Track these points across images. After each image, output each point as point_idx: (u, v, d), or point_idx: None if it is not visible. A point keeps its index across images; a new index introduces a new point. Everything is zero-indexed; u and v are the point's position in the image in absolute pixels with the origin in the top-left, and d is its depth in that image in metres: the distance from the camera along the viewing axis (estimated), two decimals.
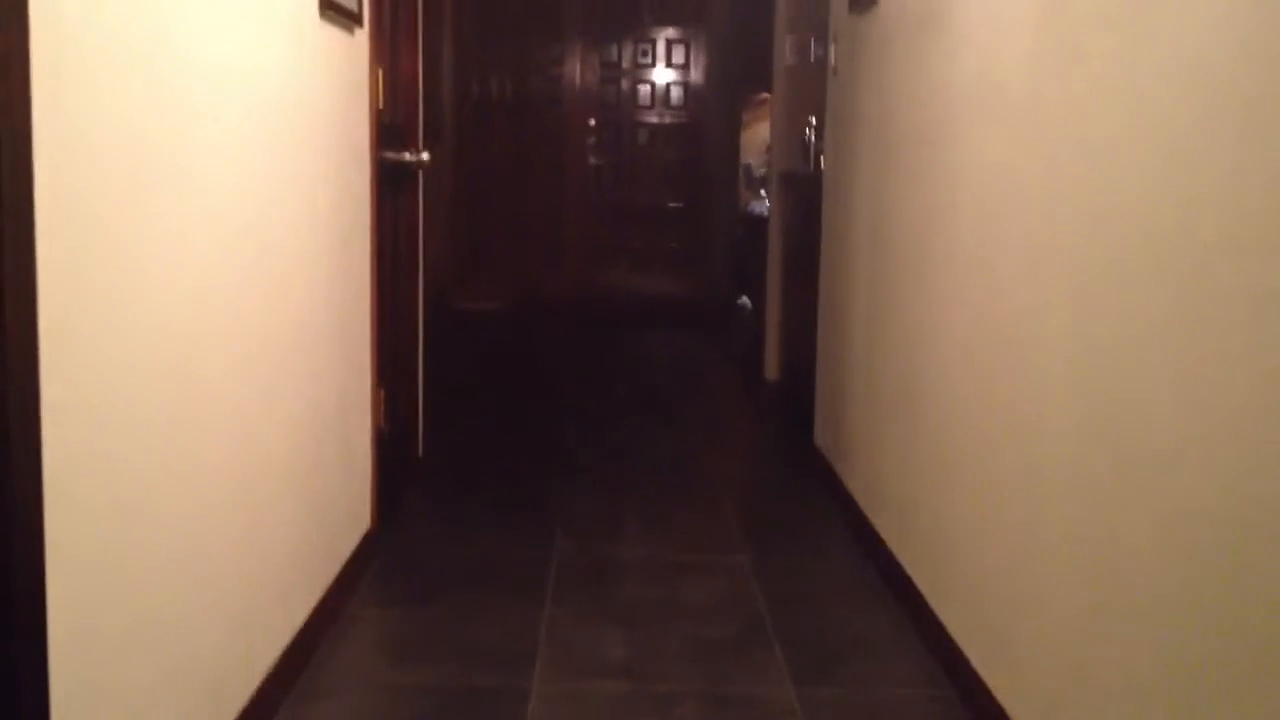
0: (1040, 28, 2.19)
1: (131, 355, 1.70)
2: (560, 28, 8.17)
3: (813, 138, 5.01)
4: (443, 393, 4.61)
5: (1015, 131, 2.31)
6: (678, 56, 8.22)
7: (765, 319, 5.96)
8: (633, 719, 2.49)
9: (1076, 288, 1.99)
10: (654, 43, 8.22)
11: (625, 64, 8.24)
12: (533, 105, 8.21)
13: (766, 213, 6.18)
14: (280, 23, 2.42)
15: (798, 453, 4.55)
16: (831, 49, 4.22)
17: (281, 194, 2.44)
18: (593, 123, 8.23)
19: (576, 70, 8.21)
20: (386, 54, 3.45)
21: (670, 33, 8.19)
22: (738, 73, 8.01)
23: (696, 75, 8.23)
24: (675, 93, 8.26)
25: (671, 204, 8.33)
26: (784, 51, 5.76)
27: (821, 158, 4.48)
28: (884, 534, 3.29)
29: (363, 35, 3.12)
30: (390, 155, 3.48)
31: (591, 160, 8.28)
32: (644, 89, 8.27)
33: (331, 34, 2.81)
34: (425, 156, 3.81)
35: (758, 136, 8.12)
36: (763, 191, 7.61)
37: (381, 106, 3.36)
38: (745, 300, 7.80)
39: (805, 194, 4.92)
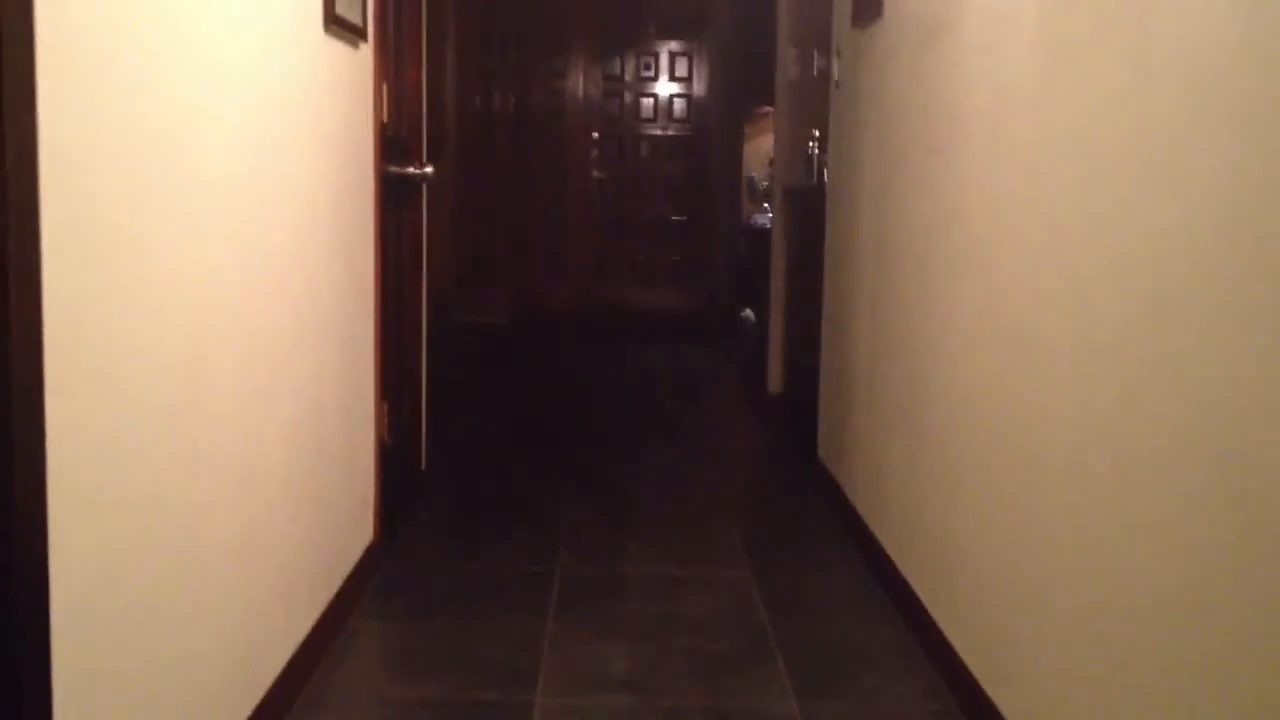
0: (1042, 39, 2.19)
1: (135, 353, 1.70)
2: (563, 41, 8.19)
3: (816, 151, 5.01)
4: (446, 405, 4.61)
5: (1019, 142, 2.32)
6: (681, 69, 8.24)
7: (768, 331, 5.95)
8: None
9: (1078, 289, 1.99)
10: (657, 56, 8.24)
11: (628, 77, 8.26)
12: (536, 118, 8.23)
13: (770, 225, 6.18)
14: (285, 36, 2.43)
15: (800, 465, 4.54)
16: (834, 62, 4.22)
17: (284, 204, 2.44)
18: (595, 136, 8.25)
19: (579, 83, 8.23)
20: (390, 68, 3.46)
21: (673, 46, 8.21)
22: (740, 86, 8.02)
23: (699, 88, 8.25)
24: (678, 106, 8.28)
25: (674, 217, 8.34)
26: (787, 65, 5.77)
27: (825, 170, 4.48)
28: (886, 546, 3.28)
29: (367, 49, 3.13)
30: (394, 169, 3.48)
31: (594, 173, 8.30)
32: (647, 102, 8.28)
33: (336, 48, 2.82)
34: (429, 170, 3.81)
35: (760, 149, 8.12)
36: (766, 204, 7.61)
37: (385, 120, 3.36)
38: (749, 313, 7.80)
39: (808, 207, 4.92)
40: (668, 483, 4.45)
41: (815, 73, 5.06)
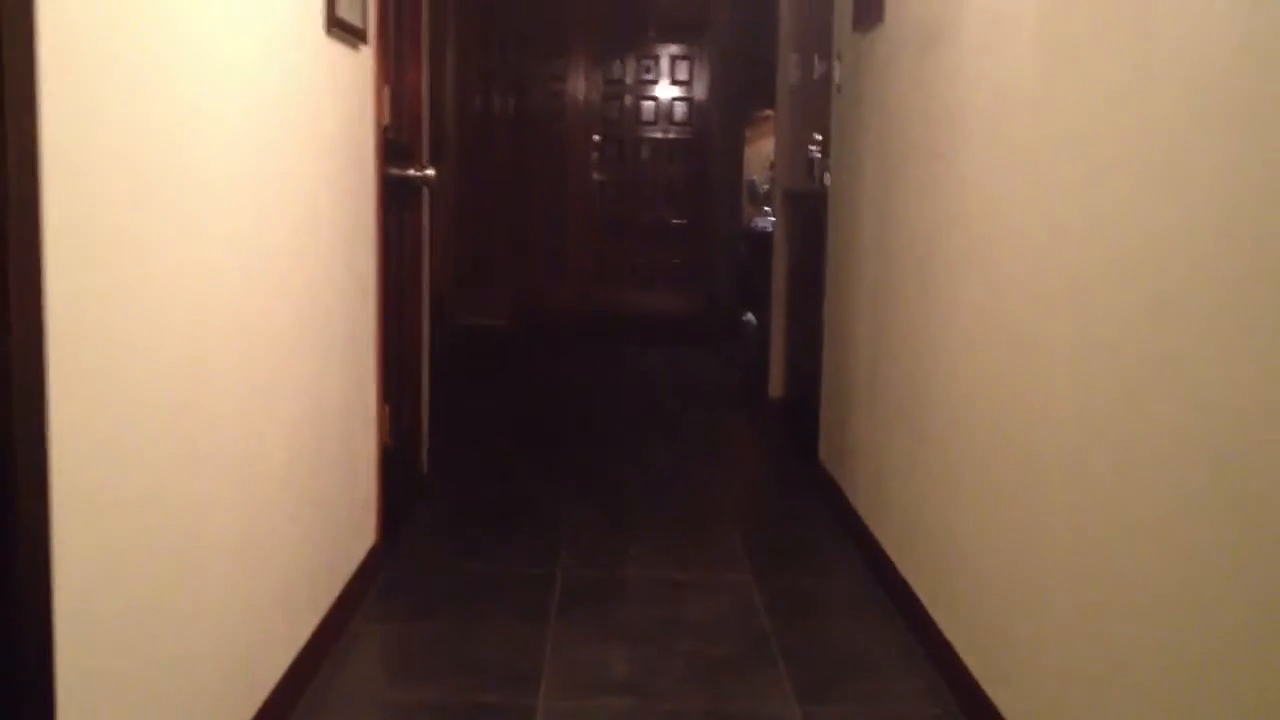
0: (1042, 41, 2.20)
1: (135, 353, 1.70)
2: (564, 43, 8.20)
3: (817, 154, 5.01)
4: (446, 407, 4.61)
5: (1019, 144, 2.32)
6: (681, 73, 8.24)
7: (769, 334, 5.95)
8: None
9: (1079, 289, 2.00)
10: (657, 59, 8.24)
11: (629, 80, 8.26)
12: (536, 121, 8.23)
13: (771, 229, 6.19)
14: (286, 38, 2.43)
15: (802, 469, 4.55)
16: (836, 66, 4.23)
17: (285, 205, 2.44)
18: (596, 138, 8.25)
19: (580, 86, 8.23)
20: (391, 70, 3.46)
21: (674, 49, 8.22)
22: (741, 89, 8.02)
23: (700, 91, 8.25)
24: (679, 109, 8.28)
25: (674, 220, 8.34)
26: (788, 68, 5.77)
27: (826, 174, 4.48)
28: (887, 548, 3.28)
29: (368, 52, 3.13)
30: (395, 171, 3.49)
31: (594, 176, 8.30)
32: (647, 105, 8.29)
33: (337, 50, 2.82)
34: (430, 172, 3.81)
35: (761, 153, 8.12)
36: (766, 208, 7.61)
37: (386, 122, 3.36)
38: (750, 316, 7.80)
39: (810, 210, 4.92)
40: (669, 485, 4.45)
41: (816, 76, 5.07)
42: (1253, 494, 1.48)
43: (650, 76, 8.26)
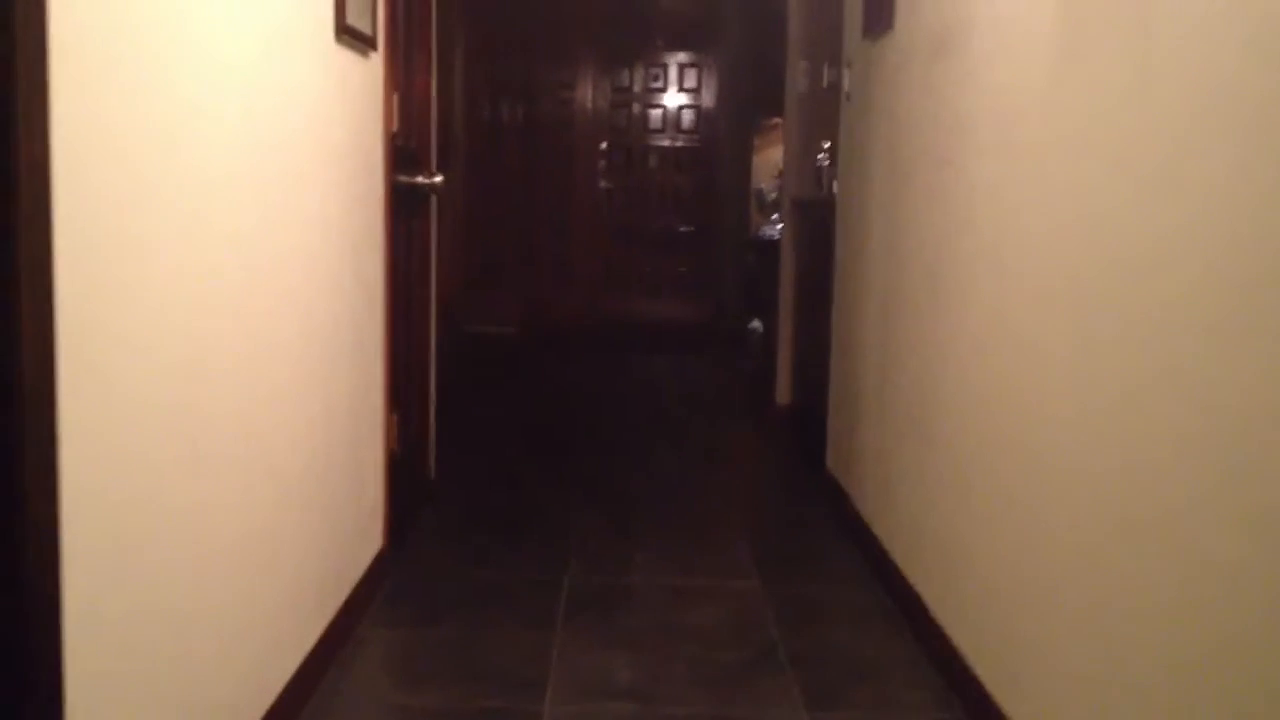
0: (1053, 47, 2.19)
1: (143, 359, 1.70)
2: (572, 52, 8.21)
3: (826, 162, 5.02)
4: (454, 414, 4.61)
5: (1030, 150, 2.32)
6: (689, 81, 8.25)
7: (777, 342, 5.95)
8: None
9: (1088, 294, 2.00)
10: (665, 67, 8.25)
11: (637, 88, 8.27)
12: (544, 129, 8.24)
13: (779, 237, 6.19)
14: (296, 45, 2.44)
15: (809, 477, 4.54)
16: (845, 74, 4.23)
17: (293, 212, 2.45)
18: (604, 146, 8.26)
19: (588, 94, 8.25)
20: (400, 77, 3.47)
21: (682, 57, 8.23)
22: (749, 97, 8.03)
23: (708, 100, 8.26)
24: (687, 117, 8.29)
25: (682, 228, 8.34)
26: (797, 76, 5.78)
27: (834, 182, 4.48)
28: (895, 555, 3.28)
29: (377, 59, 3.14)
30: (404, 178, 3.49)
31: (602, 184, 8.31)
32: (655, 113, 8.30)
33: (347, 57, 2.83)
34: (439, 179, 3.82)
35: (769, 161, 8.13)
36: (774, 216, 7.61)
37: (395, 129, 3.37)
38: (757, 324, 7.80)
39: (818, 218, 4.92)
40: (676, 492, 4.44)
41: (825, 84, 5.07)
42: (1258, 498, 1.48)
43: (658, 85, 8.27)
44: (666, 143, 8.32)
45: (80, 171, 1.48)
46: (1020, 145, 2.38)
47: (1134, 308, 1.83)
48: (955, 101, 2.83)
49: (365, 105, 3.03)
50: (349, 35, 2.79)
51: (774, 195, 7.84)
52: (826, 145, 4.96)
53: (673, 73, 8.25)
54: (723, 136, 8.24)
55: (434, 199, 4.04)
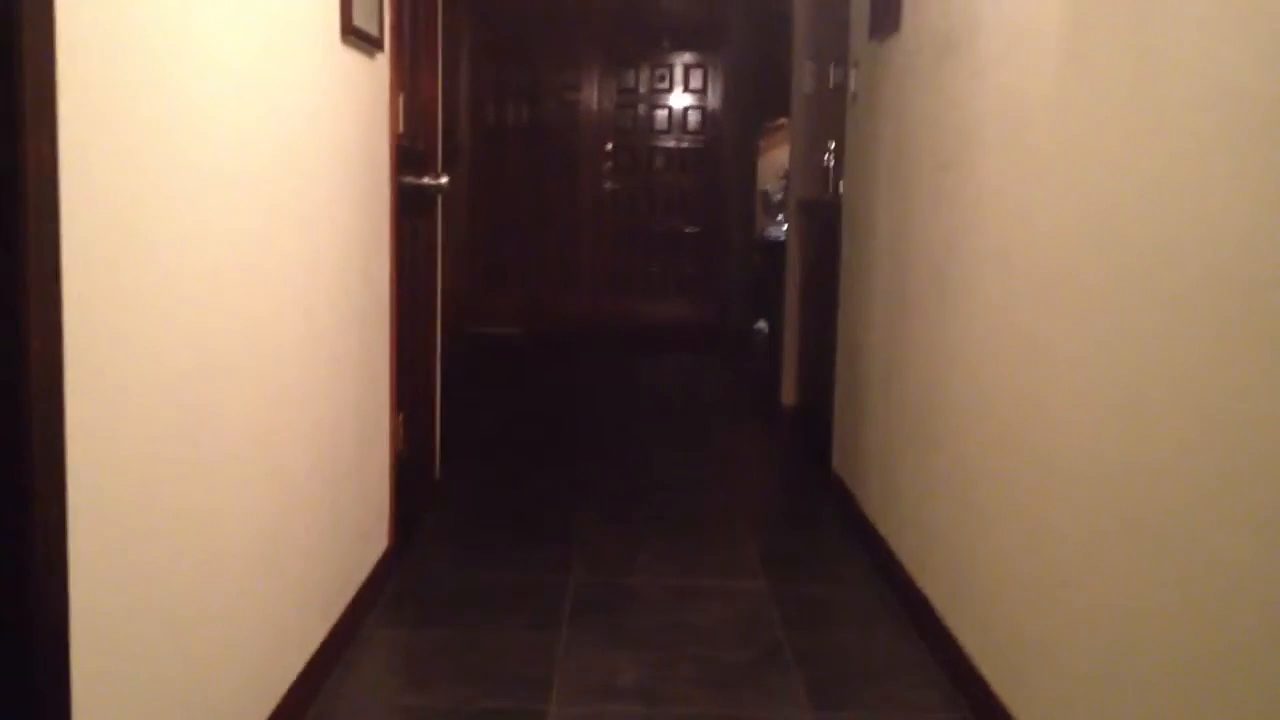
0: (1062, 48, 2.19)
1: (150, 361, 1.71)
2: (577, 53, 8.21)
3: (831, 163, 5.02)
4: (459, 415, 4.61)
5: (1037, 151, 2.32)
6: (695, 82, 8.25)
7: (782, 343, 5.95)
8: None
9: (1095, 295, 2.00)
10: (671, 68, 8.24)
11: (642, 89, 8.27)
12: (549, 130, 8.24)
13: (784, 238, 6.19)
14: (302, 46, 2.44)
15: (815, 477, 4.54)
16: (851, 75, 4.23)
17: (299, 213, 2.45)
18: (609, 147, 8.25)
19: (593, 95, 8.24)
20: (406, 78, 3.47)
21: (687, 58, 8.22)
22: (755, 98, 8.03)
23: (714, 101, 8.25)
24: (692, 118, 8.29)
25: (687, 229, 8.34)
26: (803, 78, 5.78)
27: (840, 183, 4.48)
28: (901, 556, 3.27)
29: (383, 60, 3.14)
30: (409, 179, 3.49)
31: (608, 185, 8.30)
32: (661, 114, 8.29)
33: (352, 58, 2.83)
34: (444, 181, 3.82)
35: (775, 162, 8.14)
36: (780, 217, 7.61)
37: (401, 130, 3.37)
38: (763, 325, 7.80)
39: (823, 219, 4.92)
40: (681, 492, 4.44)
41: (831, 85, 5.07)
42: (1264, 499, 1.47)
43: (664, 86, 8.26)
44: (672, 144, 8.31)
45: (86, 171, 1.48)
46: (1027, 146, 2.38)
47: (1142, 308, 1.83)
48: (962, 102, 2.82)
49: (371, 106, 3.04)
50: (355, 36, 2.79)
51: (780, 196, 7.85)
52: (832, 146, 4.96)
53: (678, 74, 8.24)
54: (728, 137, 8.24)
55: (439, 200, 4.04)
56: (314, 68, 2.53)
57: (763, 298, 7.51)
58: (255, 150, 2.14)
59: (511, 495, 4.31)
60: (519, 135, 8.23)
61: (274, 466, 2.31)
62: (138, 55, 1.63)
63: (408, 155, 3.49)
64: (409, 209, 3.53)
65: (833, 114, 4.85)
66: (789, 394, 5.84)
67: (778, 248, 6.41)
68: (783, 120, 7.30)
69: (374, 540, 3.19)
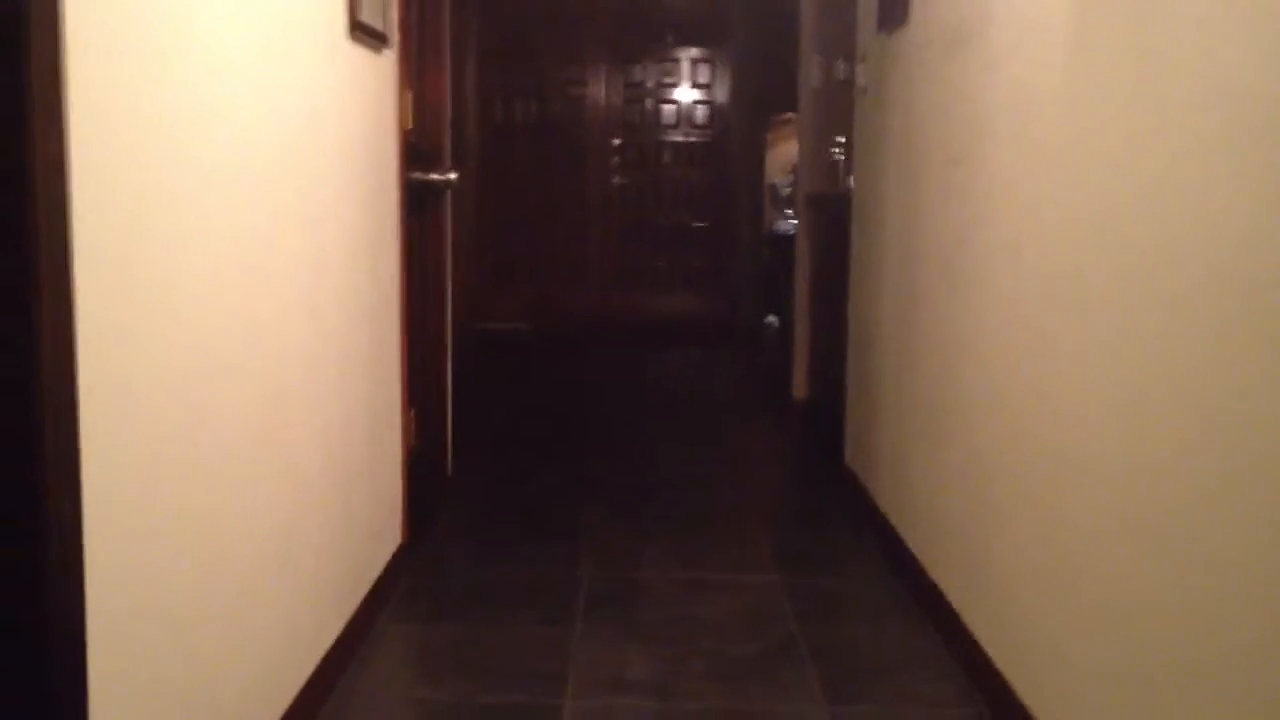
0: (1072, 41, 2.18)
1: (164, 359, 1.71)
2: (584, 48, 8.20)
3: (840, 157, 5.01)
4: (470, 411, 4.61)
5: (1047, 144, 2.31)
6: (702, 76, 8.24)
7: (793, 337, 5.94)
8: None
9: (1105, 289, 1.99)
10: (678, 63, 8.23)
11: (649, 84, 8.26)
12: (556, 125, 8.24)
13: (793, 232, 6.18)
14: (309, 42, 2.44)
15: (827, 471, 4.53)
16: (859, 68, 4.22)
17: (308, 211, 2.45)
18: (617, 142, 8.25)
19: (600, 90, 8.24)
20: (414, 75, 3.47)
21: (694, 52, 8.21)
22: (762, 92, 8.02)
23: (721, 95, 8.24)
24: (700, 112, 8.28)
25: (696, 223, 8.33)
26: (810, 71, 5.77)
27: (849, 177, 4.47)
28: (914, 549, 3.27)
29: (390, 56, 3.14)
30: (417, 175, 3.49)
31: (615, 180, 8.30)
32: (668, 109, 8.28)
33: (360, 54, 2.83)
34: (453, 176, 3.82)
35: (782, 156, 8.13)
36: (788, 211, 7.60)
37: (409, 126, 3.37)
38: (773, 319, 7.80)
39: (833, 213, 4.91)
40: (693, 487, 4.44)
41: (839, 79, 5.06)
42: (1270, 496, 1.47)
43: (670, 80, 8.26)
44: (680, 138, 8.30)
45: (93, 170, 1.48)
46: (1037, 138, 2.37)
47: (1144, 305, 1.82)
48: (971, 95, 2.81)
49: (378, 102, 3.03)
50: (362, 32, 2.79)
51: (788, 190, 7.84)
52: (841, 140, 4.95)
53: (685, 68, 8.24)
54: (735, 131, 8.23)
55: (448, 196, 4.04)
56: (320, 64, 2.52)
57: (773, 292, 7.51)
58: (262, 147, 2.13)
59: (522, 491, 4.32)
60: (526, 131, 8.23)
61: (286, 464, 2.31)
62: (144, 54, 1.63)
63: (415, 151, 3.49)
64: (417, 205, 3.53)
65: (840, 108, 4.83)
66: (800, 388, 5.83)
67: (787, 242, 6.41)
68: (789, 114, 7.29)
69: (387, 536, 3.19)
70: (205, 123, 1.85)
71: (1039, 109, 2.36)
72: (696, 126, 8.29)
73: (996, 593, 2.58)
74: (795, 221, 6.13)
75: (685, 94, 8.25)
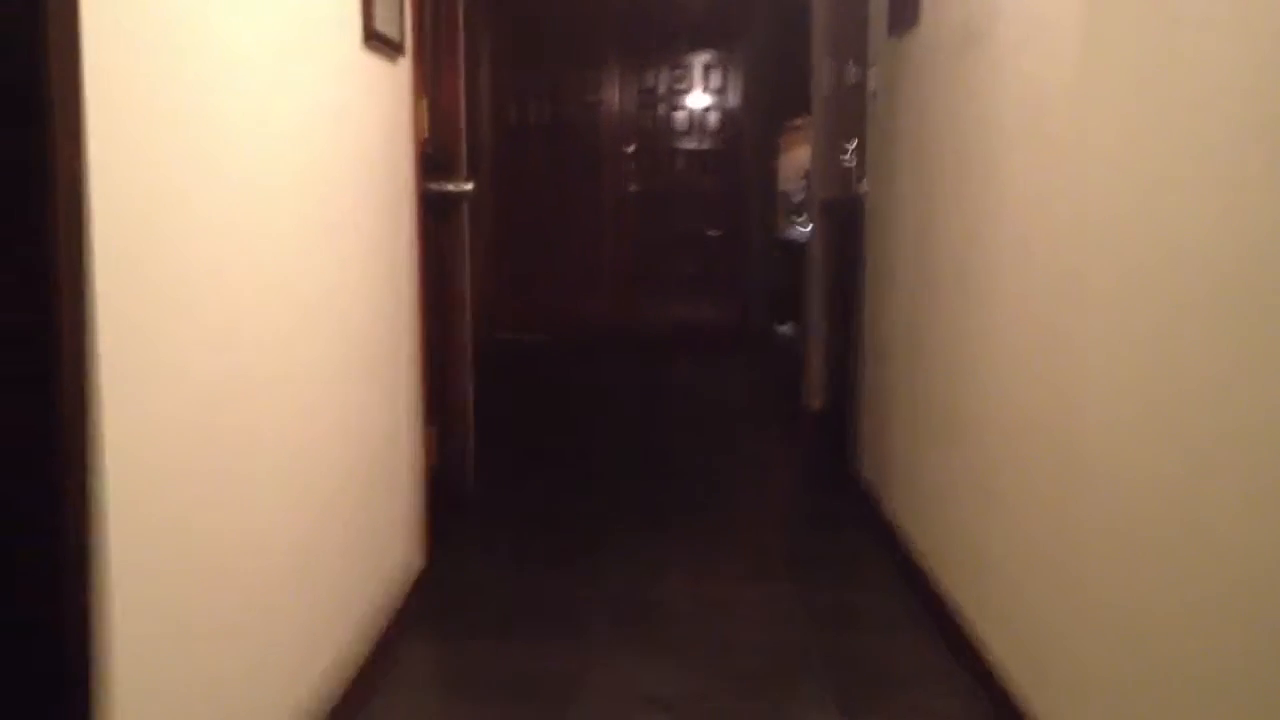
0: (1084, 41, 2.18)
1: (182, 376, 1.71)
2: (597, 55, 8.21)
3: (852, 162, 5.00)
4: (486, 423, 4.61)
5: (1059, 145, 2.30)
6: (714, 81, 8.24)
7: (806, 345, 5.93)
8: None
9: (1117, 290, 1.98)
10: (690, 68, 8.24)
11: (662, 90, 8.26)
12: (570, 132, 8.25)
13: (805, 238, 6.17)
14: (324, 51, 2.44)
15: (839, 481, 4.52)
16: (871, 72, 4.21)
17: (326, 224, 2.45)
18: (630, 149, 8.25)
19: (614, 97, 8.25)
20: (429, 83, 3.48)
21: (706, 58, 8.22)
22: (774, 98, 8.01)
23: (734, 100, 8.24)
24: (712, 118, 8.28)
25: (709, 230, 8.32)
26: (822, 76, 5.76)
27: (862, 181, 4.47)
28: (926, 559, 3.26)
29: (405, 65, 3.15)
30: (434, 185, 3.50)
31: (629, 187, 8.30)
32: (681, 115, 8.29)
33: (375, 63, 2.84)
34: (469, 186, 3.82)
35: (794, 162, 8.12)
36: (801, 216, 7.59)
37: (424, 136, 3.37)
38: (785, 327, 7.79)
39: (846, 218, 4.91)
40: (708, 498, 4.44)
41: (851, 83, 5.06)
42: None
43: (683, 86, 8.26)
44: (693, 145, 8.30)
45: (112, 169, 1.48)
46: (1049, 136, 2.36)
47: (1164, 299, 1.81)
48: (982, 93, 2.81)
49: (394, 112, 3.04)
50: (377, 41, 2.79)
51: (800, 197, 7.83)
52: (853, 145, 4.95)
53: (697, 74, 8.24)
54: (748, 138, 8.23)
55: (465, 206, 4.03)
56: (336, 73, 2.53)
57: (786, 300, 7.49)
58: (278, 158, 2.14)
59: (542, 504, 4.31)
60: (540, 138, 8.24)
61: (304, 483, 2.30)
62: (162, 66, 1.63)
63: (432, 161, 3.49)
64: (434, 215, 3.53)
65: (852, 112, 4.83)
66: (813, 396, 5.82)
67: (799, 248, 6.40)
68: (799, 120, 7.29)
69: (408, 555, 3.19)
70: (225, 134, 1.85)
71: (1049, 104, 2.36)
72: (709, 133, 8.29)
73: (1006, 605, 2.57)
74: (807, 228, 6.12)
75: (698, 100, 8.25)
